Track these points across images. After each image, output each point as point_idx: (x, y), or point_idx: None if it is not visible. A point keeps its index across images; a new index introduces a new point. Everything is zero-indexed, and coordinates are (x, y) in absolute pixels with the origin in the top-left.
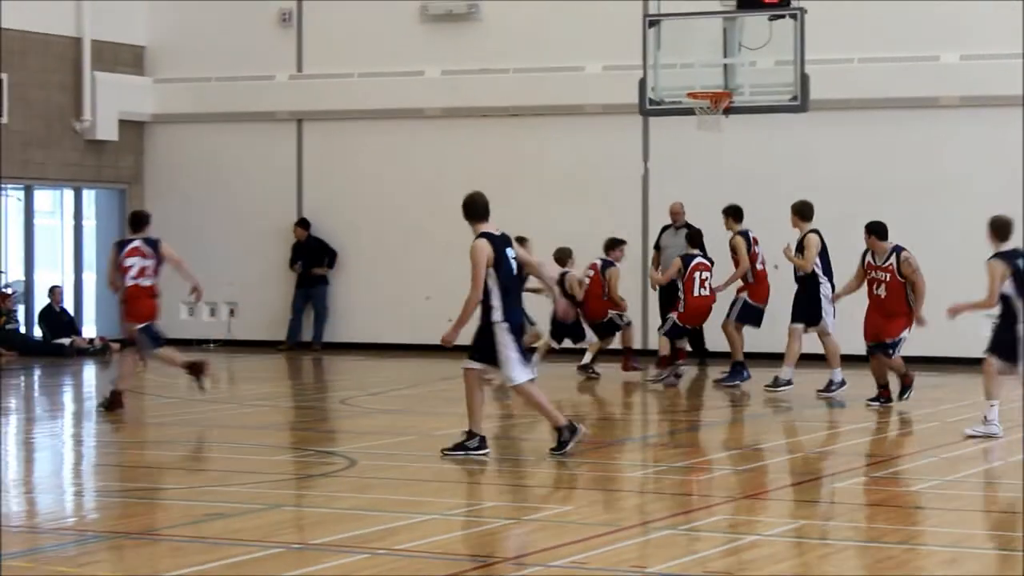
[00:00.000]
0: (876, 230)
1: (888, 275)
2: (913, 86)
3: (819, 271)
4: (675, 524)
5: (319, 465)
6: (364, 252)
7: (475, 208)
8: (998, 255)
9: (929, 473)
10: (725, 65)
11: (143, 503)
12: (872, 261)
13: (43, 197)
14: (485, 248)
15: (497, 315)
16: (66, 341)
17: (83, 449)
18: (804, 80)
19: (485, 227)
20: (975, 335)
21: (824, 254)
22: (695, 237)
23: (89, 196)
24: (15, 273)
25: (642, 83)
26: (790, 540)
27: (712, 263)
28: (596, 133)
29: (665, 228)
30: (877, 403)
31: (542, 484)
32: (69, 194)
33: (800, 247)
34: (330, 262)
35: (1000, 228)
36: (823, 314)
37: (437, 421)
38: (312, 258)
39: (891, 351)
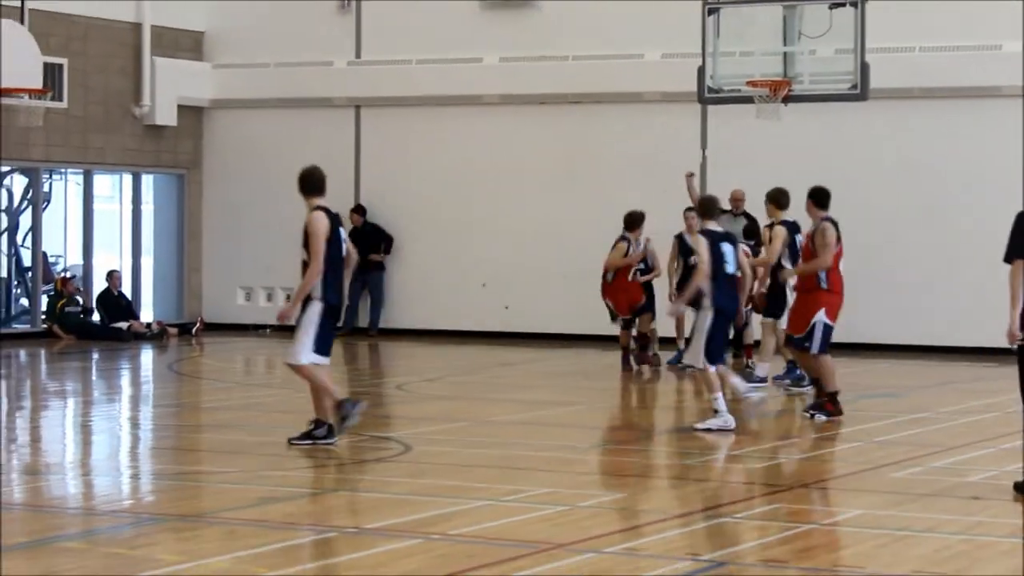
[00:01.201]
0: (813, 194)
1: (805, 241)
2: (974, 75)
3: (787, 263)
4: (730, 512)
5: (374, 450)
6: (421, 239)
7: (312, 182)
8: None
9: (987, 464)
10: (784, 53)
11: (198, 486)
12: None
13: (102, 182)
14: (324, 221)
15: (316, 291)
16: (124, 325)
17: (139, 432)
18: (864, 69)
19: (321, 202)
20: None
21: (793, 246)
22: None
23: (148, 181)
24: (74, 257)
25: (701, 71)
26: (847, 529)
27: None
28: (655, 121)
29: (723, 212)
30: (810, 414)
31: (595, 471)
32: (128, 179)
33: (768, 237)
34: (386, 248)
35: (779, 198)
36: (787, 308)
37: (492, 407)
38: (368, 244)
39: (807, 344)
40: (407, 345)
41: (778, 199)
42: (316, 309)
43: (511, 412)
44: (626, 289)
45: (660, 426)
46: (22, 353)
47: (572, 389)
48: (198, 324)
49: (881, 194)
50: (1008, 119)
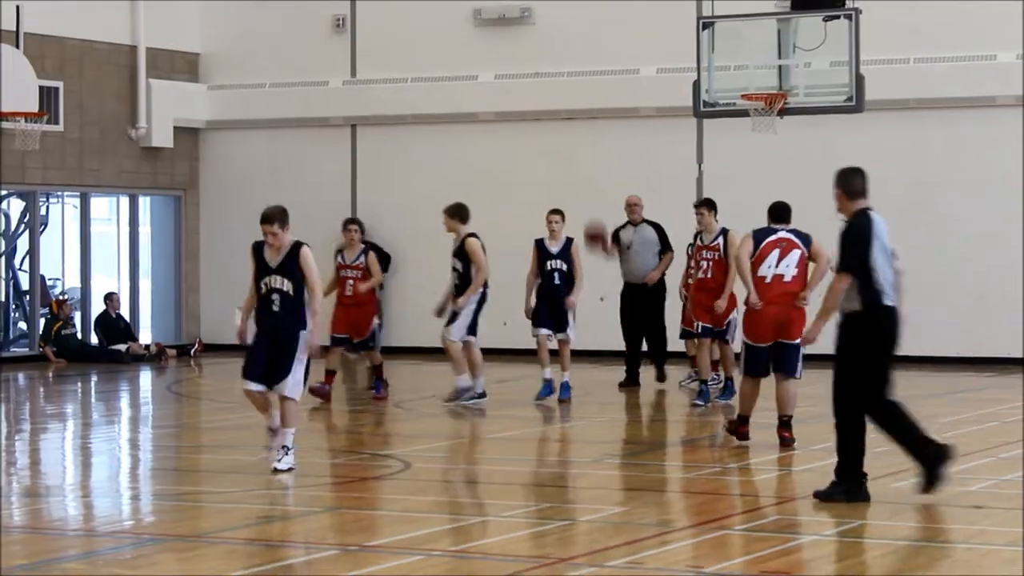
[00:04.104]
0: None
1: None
2: (969, 86)
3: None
4: (732, 524)
5: (374, 468)
6: (419, 256)
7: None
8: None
9: (987, 473)
10: (779, 66)
11: (199, 506)
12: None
13: (99, 204)
14: None
15: None
16: (122, 347)
17: (139, 453)
18: (859, 81)
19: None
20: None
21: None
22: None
23: (145, 203)
24: (72, 280)
25: (696, 85)
26: (848, 540)
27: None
28: (650, 136)
29: (623, 227)
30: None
31: (595, 486)
32: (125, 201)
33: (460, 253)
34: (385, 266)
35: (461, 212)
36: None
37: (491, 424)
38: None
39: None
40: (406, 363)
41: (460, 213)
42: None
43: (510, 428)
44: (341, 305)
45: (659, 440)
46: (20, 376)
47: (571, 404)
48: (196, 345)
49: (878, 205)
50: (1004, 129)
